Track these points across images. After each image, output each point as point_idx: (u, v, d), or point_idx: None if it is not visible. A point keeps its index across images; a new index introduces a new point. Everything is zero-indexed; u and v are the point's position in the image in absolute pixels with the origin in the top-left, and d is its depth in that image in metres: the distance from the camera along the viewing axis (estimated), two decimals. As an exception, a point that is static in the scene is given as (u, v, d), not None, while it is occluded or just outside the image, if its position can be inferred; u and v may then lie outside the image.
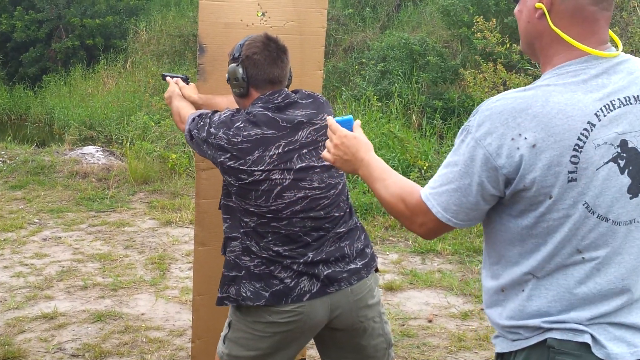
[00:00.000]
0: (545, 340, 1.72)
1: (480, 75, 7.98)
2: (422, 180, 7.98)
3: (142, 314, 5.05)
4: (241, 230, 2.75)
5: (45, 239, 6.91)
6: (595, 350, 1.69)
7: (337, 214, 2.77)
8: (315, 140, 2.73)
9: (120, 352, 4.43)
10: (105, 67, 17.48)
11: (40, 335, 4.66)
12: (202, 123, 2.77)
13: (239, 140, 2.63)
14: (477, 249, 6.49)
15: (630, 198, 1.72)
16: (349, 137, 2.04)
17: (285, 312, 2.67)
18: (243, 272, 2.72)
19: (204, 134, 2.72)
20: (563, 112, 1.66)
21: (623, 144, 1.70)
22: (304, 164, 2.69)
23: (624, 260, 1.74)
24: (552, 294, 1.75)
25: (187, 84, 3.32)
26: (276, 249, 2.68)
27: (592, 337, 1.70)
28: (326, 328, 2.82)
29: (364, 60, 12.76)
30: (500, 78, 7.66)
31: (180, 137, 10.67)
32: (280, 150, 2.66)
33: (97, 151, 10.71)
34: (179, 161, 9.63)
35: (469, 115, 4.84)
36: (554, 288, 1.74)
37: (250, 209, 2.68)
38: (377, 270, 2.93)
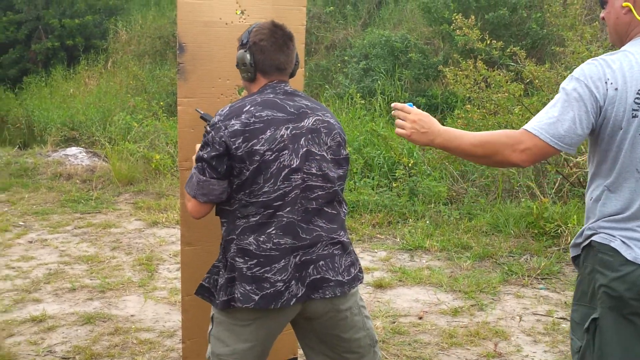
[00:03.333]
0: (591, 242, 2.38)
1: (461, 73, 8.01)
2: (408, 177, 8.00)
3: (132, 316, 5.03)
4: (237, 232, 2.72)
5: (31, 242, 6.86)
6: (624, 253, 2.27)
7: (329, 211, 2.77)
8: (317, 129, 2.76)
9: (111, 354, 4.40)
10: (86, 68, 17.40)
11: (30, 338, 4.63)
12: (206, 135, 2.73)
13: (252, 121, 2.66)
14: (465, 245, 6.52)
15: None
16: (424, 115, 2.54)
17: (264, 312, 2.70)
18: (236, 273, 2.71)
19: (211, 134, 2.69)
20: (636, 65, 2.27)
21: None
22: (307, 148, 2.71)
23: None
24: (615, 204, 2.34)
25: None
26: (277, 240, 2.66)
27: (623, 242, 2.29)
28: (302, 318, 2.83)
29: (346, 58, 12.77)
30: (481, 75, 7.68)
31: (163, 137, 10.66)
32: (288, 132, 2.70)
33: (81, 152, 10.66)
34: (163, 161, 9.61)
35: (452, 112, 5.15)
36: (616, 199, 2.34)
37: (260, 200, 2.67)
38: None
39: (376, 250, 6.54)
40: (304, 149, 2.71)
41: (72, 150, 10.82)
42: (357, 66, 11.95)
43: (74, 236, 7.09)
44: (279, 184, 2.66)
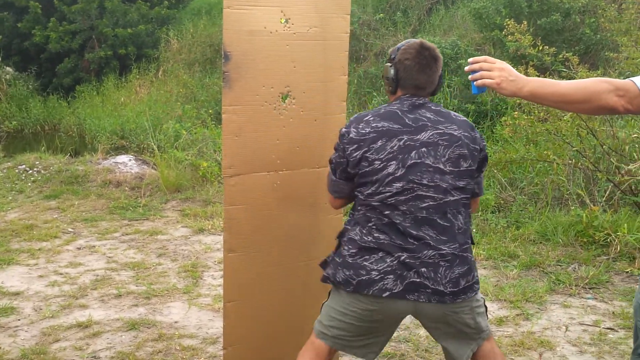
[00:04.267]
0: None
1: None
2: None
3: (176, 322, 5.06)
4: (351, 222, 3.04)
5: (79, 248, 6.96)
6: None
7: (441, 222, 2.88)
8: (435, 142, 2.93)
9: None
10: (138, 77, 17.63)
11: (75, 343, 4.68)
12: (334, 147, 3.11)
13: (367, 131, 2.94)
14: (511, 253, 6.42)
15: None
16: (508, 65, 2.64)
17: (370, 296, 2.91)
18: (342, 259, 3.00)
19: (338, 141, 3.06)
20: None
21: None
22: (418, 160, 2.89)
23: None
24: None
25: None
26: (377, 234, 2.90)
27: None
28: (423, 320, 3.07)
29: (395, 65, 12.69)
30: (533, 81, 7.54)
31: (211, 145, 10.73)
32: (401, 144, 2.90)
33: (130, 160, 10.78)
34: (210, 169, 9.66)
35: (502, 119, 5.31)
36: None
37: (365, 199, 2.95)
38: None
39: (422, 259, 6.47)
40: (414, 161, 2.89)
41: (122, 158, 10.94)
42: (406, 73, 11.87)
43: (122, 243, 7.17)
44: (381, 188, 2.89)
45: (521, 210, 7.52)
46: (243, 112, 3.39)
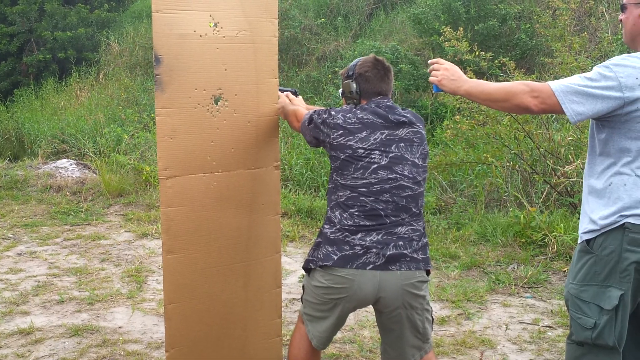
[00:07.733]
0: (624, 224, 2.64)
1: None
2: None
3: (120, 327, 5.03)
4: (330, 205, 3.23)
5: (20, 254, 6.86)
6: None
7: (414, 210, 3.16)
8: (411, 139, 3.19)
9: (98, 365, 4.41)
10: (78, 80, 17.40)
11: (17, 351, 4.62)
12: (324, 110, 3.32)
13: (353, 121, 3.17)
14: (452, 254, 6.54)
15: None
16: (455, 66, 2.98)
17: (340, 277, 3.09)
18: (322, 238, 3.19)
19: (325, 115, 3.25)
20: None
21: None
22: (399, 153, 3.14)
23: None
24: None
25: (296, 96, 3.82)
26: (357, 220, 3.09)
27: None
28: (377, 311, 3.24)
29: (337, 69, 12.79)
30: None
31: (154, 149, 10.64)
32: (382, 137, 3.14)
33: (71, 164, 10.65)
34: (153, 173, 9.59)
35: (442, 122, 5.43)
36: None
37: (347, 183, 3.14)
38: (428, 273, 3.23)
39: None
40: (394, 154, 3.14)
41: (63, 162, 10.81)
42: (348, 77, 11.95)
43: (63, 248, 7.09)
44: (366, 175, 3.11)
45: (461, 212, 7.66)
46: (176, 114, 3.41)
